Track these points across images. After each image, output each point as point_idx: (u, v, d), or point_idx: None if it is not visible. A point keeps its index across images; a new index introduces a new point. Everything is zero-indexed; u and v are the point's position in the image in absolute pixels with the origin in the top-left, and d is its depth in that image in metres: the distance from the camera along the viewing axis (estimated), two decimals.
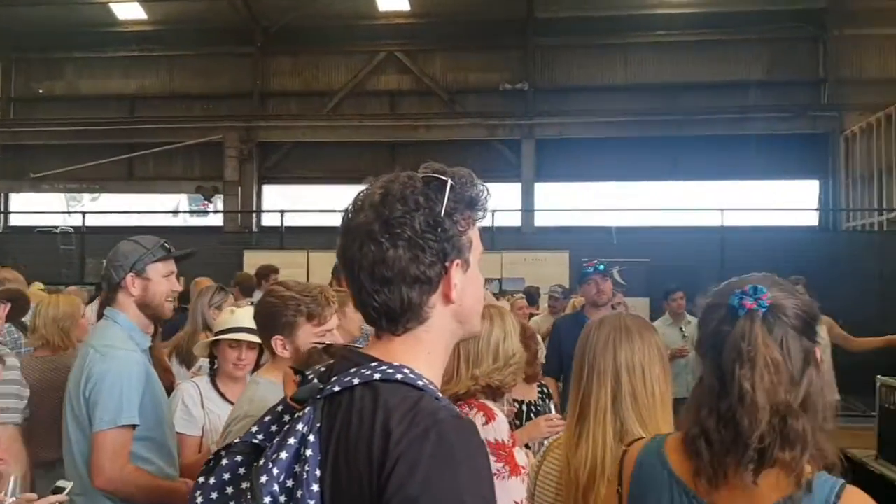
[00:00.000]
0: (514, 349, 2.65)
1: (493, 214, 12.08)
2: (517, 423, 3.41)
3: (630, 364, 2.09)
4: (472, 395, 2.56)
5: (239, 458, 1.28)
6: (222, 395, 3.32)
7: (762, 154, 14.80)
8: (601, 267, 4.82)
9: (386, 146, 15.82)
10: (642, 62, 15.65)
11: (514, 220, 14.87)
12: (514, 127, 15.57)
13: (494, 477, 1.24)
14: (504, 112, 15.77)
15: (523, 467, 2.45)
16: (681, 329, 7.20)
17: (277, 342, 2.53)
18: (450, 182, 1.25)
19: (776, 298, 1.39)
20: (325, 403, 1.22)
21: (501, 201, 14.95)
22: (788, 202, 15.34)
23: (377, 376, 1.21)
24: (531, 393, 3.71)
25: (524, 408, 3.62)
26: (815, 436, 1.32)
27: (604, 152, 15.20)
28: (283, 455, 1.19)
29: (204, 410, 3.27)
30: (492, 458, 2.48)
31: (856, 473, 5.36)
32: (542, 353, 4.30)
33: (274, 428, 1.28)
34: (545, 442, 2.70)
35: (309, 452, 1.18)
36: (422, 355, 1.27)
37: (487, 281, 10.45)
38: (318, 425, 1.20)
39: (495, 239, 11.30)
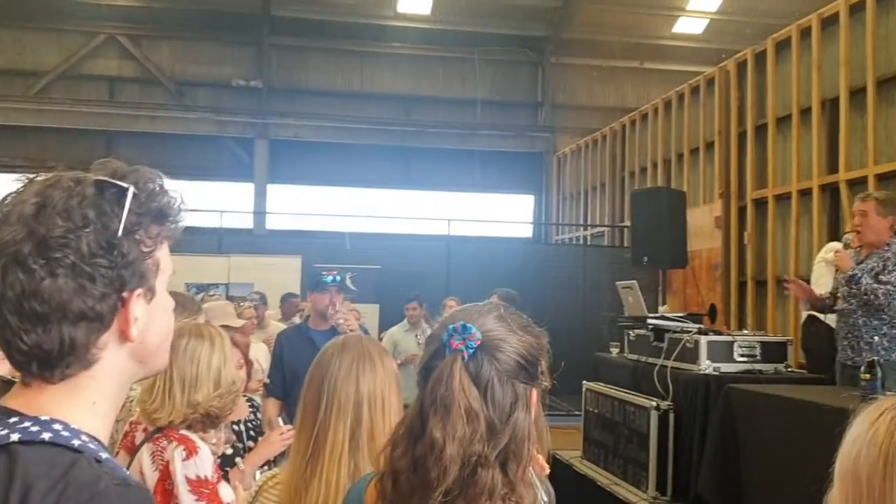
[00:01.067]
0: (233, 376, 2.43)
1: (220, 215, 11.62)
2: (239, 445, 3.16)
3: (372, 395, 1.91)
4: (187, 423, 2.30)
5: None
6: None
7: (486, 169, 15.72)
8: (339, 278, 4.61)
9: (102, 136, 14.52)
10: (379, 71, 15.90)
11: (245, 221, 14.36)
12: (246, 125, 15.07)
13: None
14: (236, 108, 15.20)
15: None
16: (416, 336, 7.32)
17: None
18: (131, 190, 0.99)
19: (491, 337, 1.26)
20: None
21: (231, 202, 14.40)
22: (508, 215, 16.39)
23: (15, 437, 0.93)
24: (242, 410, 3.45)
25: (241, 427, 3.37)
26: (514, 484, 1.22)
27: (339, 157, 15.21)
28: None
29: None
30: (192, 498, 2.23)
31: (563, 474, 5.76)
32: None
33: None
34: (257, 475, 2.48)
35: None
36: (84, 405, 1.00)
37: (214, 286, 9.95)
38: None
39: (223, 241, 10.80)
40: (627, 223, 11.70)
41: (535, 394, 1.30)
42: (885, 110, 7.26)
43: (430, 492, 1.20)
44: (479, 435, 1.21)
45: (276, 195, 15.34)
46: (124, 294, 0.99)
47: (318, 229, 12.86)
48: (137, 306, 1.00)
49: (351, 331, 4.29)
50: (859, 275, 4.58)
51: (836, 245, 5.52)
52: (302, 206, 14.75)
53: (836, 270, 4.98)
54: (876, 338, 4.26)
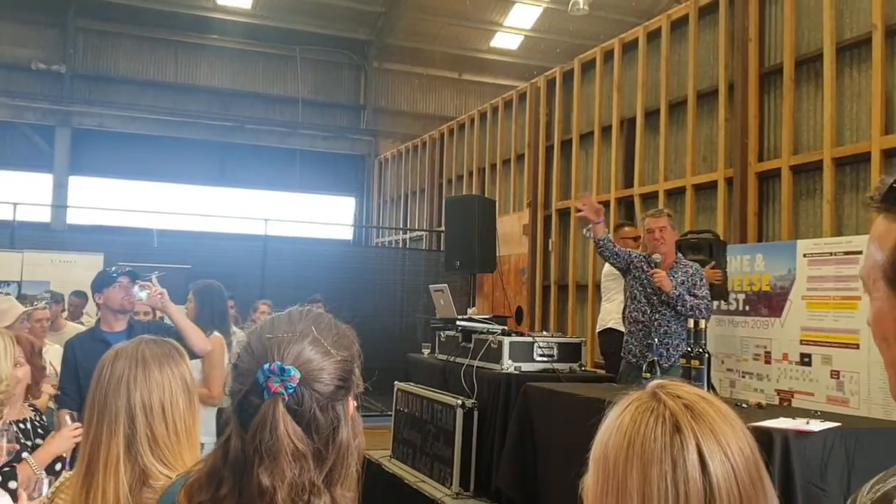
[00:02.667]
0: (4, 373, 2.28)
1: (14, 207, 10.71)
2: (27, 443, 2.96)
3: (147, 404, 1.81)
4: None
5: None
6: None
7: (306, 169, 15.57)
8: (129, 270, 4.35)
9: None
10: (196, 63, 15.33)
11: (42, 215, 13.34)
12: (46, 111, 14.03)
13: None
14: (35, 93, 14.09)
15: None
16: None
17: None
18: None
19: (309, 370, 1.23)
20: None
21: (27, 193, 13.31)
22: (328, 217, 16.30)
23: None
24: (26, 409, 3.24)
25: (28, 425, 3.16)
26: (338, 498, 1.25)
27: (149, 150, 14.50)
28: None
29: None
30: None
31: (372, 474, 5.83)
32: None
33: None
34: (56, 482, 2.34)
35: None
36: None
37: (4, 283, 9.16)
38: None
39: (16, 235, 9.99)
40: (443, 228, 12.03)
41: (351, 402, 1.30)
42: (675, 131, 7.95)
43: None
44: (307, 470, 1.21)
45: (78, 188, 14.37)
46: None
47: (123, 225, 12.18)
48: None
49: (159, 294, 4.15)
50: (685, 294, 4.99)
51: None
52: (106, 200, 13.89)
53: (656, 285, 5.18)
54: (676, 340, 4.67)
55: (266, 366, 1.21)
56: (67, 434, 2.77)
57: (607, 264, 6.52)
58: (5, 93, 13.77)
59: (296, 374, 1.21)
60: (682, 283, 5.06)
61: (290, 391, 1.21)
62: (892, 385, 0.88)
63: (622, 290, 6.51)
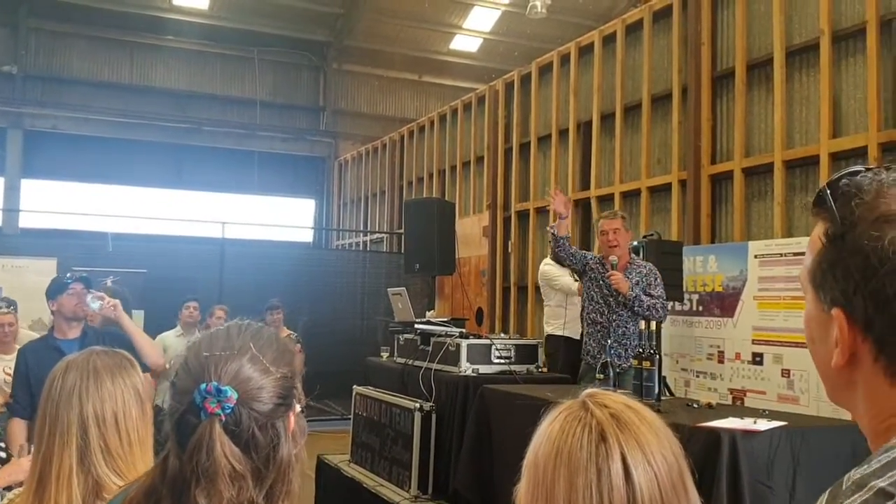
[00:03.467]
0: None
1: None
2: None
3: (100, 416, 1.80)
4: None
5: None
6: None
7: (265, 171, 15.44)
8: (82, 276, 4.28)
9: None
10: (151, 65, 15.12)
11: None
12: None
13: None
14: None
15: None
16: (189, 342, 7.00)
17: None
18: None
19: (248, 389, 1.21)
20: None
21: None
22: (287, 219, 16.19)
23: None
24: None
25: None
26: None
27: (104, 153, 14.27)
28: None
29: None
30: None
31: (330, 478, 5.81)
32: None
33: None
34: (3, 499, 2.29)
35: None
36: None
37: None
38: None
39: None
40: (403, 231, 12.02)
41: (291, 416, 1.28)
42: (630, 135, 8.06)
43: None
44: (246, 489, 1.19)
45: (31, 191, 14.08)
46: None
47: (77, 229, 11.96)
48: None
49: (112, 306, 4.11)
50: (641, 295, 5.04)
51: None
52: (60, 203, 13.62)
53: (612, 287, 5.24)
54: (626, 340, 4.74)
55: (203, 386, 1.19)
56: (26, 465, 2.72)
57: (542, 267, 6.62)
58: None
59: (233, 395, 1.19)
60: (637, 284, 5.13)
61: (228, 412, 1.19)
62: (826, 387, 0.91)
63: (552, 294, 6.69)
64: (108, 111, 14.21)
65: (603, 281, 5.19)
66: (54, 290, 4.12)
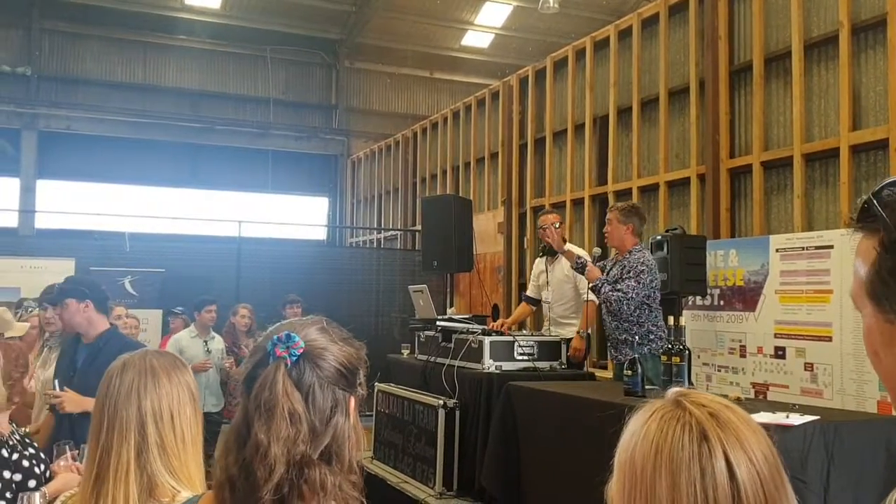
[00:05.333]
0: None
1: None
2: (27, 452, 2.93)
3: (157, 412, 1.87)
4: None
5: None
6: None
7: (279, 169, 15.48)
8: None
9: None
10: (164, 64, 15.17)
11: (10, 220, 13.13)
12: (11, 114, 13.80)
13: None
14: (1, 97, 13.85)
15: None
16: (205, 342, 7.01)
17: None
18: None
19: (313, 346, 1.34)
20: None
21: None
22: (302, 217, 16.22)
23: None
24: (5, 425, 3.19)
25: (13, 440, 3.12)
26: (339, 483, 1.31)
27: (119, 152, 14.34)
28: None
29: None
30: None
31: None
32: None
33: None
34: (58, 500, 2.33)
35: None
36: None
37: None
38: None
39: None
40: (418, 227, 12.02)
41: (353, 401, 1.37)
42: (647, 129, 8.03)
43: (259, 492, 1.25)
44: (302, 436, 1.28)
45: (46, 192, 14.16)
46: None
47: (93, 229, 12.02)
48: None
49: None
50: (600, 284, 5.10)
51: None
52: (75, 203, 13.69)
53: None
54: (637, 337, 4.72)
55: (275, 336, 1.33)
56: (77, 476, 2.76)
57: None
58: None
59: (300, 342, 1.32)
60: (614, 276, 5.16)
61: (294, 358, 1.31)
62: (893, 398, 0.91)
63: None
64: (123, 111, 14.28)
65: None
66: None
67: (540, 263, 6.39)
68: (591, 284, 5.19)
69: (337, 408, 1.34)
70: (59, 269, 9.68)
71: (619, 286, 5.05)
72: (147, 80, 15.04)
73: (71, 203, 13.79)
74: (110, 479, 1.83)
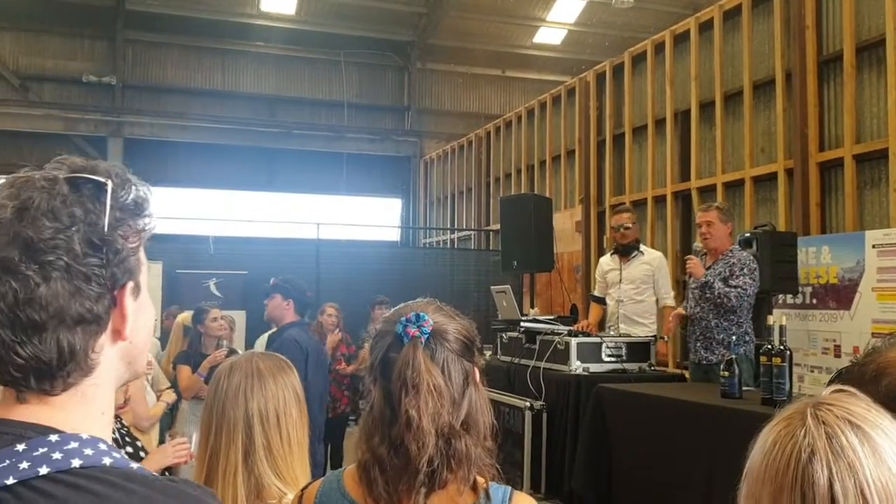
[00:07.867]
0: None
1: None
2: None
3: (264, 414, 1.89)
4: None
5: None
6: None
7: (353, 172, 15.66)
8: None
9: None
10: (242, 71, 15.52)
11: None
12: (98, 123, 14.31)
13: None
14: (87, 106, 14.40)
15: None
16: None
17: None
18: (109, 184, 0.93)
19: (438, 324, 1.41)
20: None
21: None
22: (376, 218, 16.37)
23: (45, 469, 0.82)
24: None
25: (116, 435, 3.24)
26: (478, 451, 1.37)
27: (200, 158, 14.74)
28: None
29: None
30: None
31: None
32: None
33: None
34: None
35: None
36: (94, 416, 0.92)
37: None
38: None
39: None
40: (494, 227, 11.99)
41: (477, 371, 1.46)
42: (731, 123, 7.83)
43: (413, 472, 1.32)
44: (446, 408, 1.35)
45: None
46: (116, 292, 0.92)
47: (178, 233, 12.37)
48: (129, 303, 0.94)
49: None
50: (712, 280, 4.96)
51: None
52: (160, 208, 14.05)
53: (689, 277, 5.34)
54: (734, 337, 4.60)
55: (403, 318, 1.41)
56: (170, 451, 2.84)
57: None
58: (58, 106, 14.10)
59: (429, 320, 1.40)
60: (720, 274, 5.05)
61: (426, 336, 1.39)
62: None
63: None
64: (202, 117, 14.67)
65: (688, 274, 5.24)
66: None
67: (609, 261, 6.24)
68: (701, 280, 5.03)
69: (468, 379, 1.42)
70: (148, 273, 9.99)
71: (732, 282, 4.96)
72: (225, 87, 15.42)
73: (156, 208, 14.15)
74: (219, 481, 1.85)
